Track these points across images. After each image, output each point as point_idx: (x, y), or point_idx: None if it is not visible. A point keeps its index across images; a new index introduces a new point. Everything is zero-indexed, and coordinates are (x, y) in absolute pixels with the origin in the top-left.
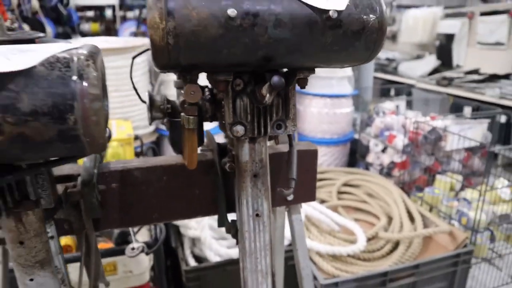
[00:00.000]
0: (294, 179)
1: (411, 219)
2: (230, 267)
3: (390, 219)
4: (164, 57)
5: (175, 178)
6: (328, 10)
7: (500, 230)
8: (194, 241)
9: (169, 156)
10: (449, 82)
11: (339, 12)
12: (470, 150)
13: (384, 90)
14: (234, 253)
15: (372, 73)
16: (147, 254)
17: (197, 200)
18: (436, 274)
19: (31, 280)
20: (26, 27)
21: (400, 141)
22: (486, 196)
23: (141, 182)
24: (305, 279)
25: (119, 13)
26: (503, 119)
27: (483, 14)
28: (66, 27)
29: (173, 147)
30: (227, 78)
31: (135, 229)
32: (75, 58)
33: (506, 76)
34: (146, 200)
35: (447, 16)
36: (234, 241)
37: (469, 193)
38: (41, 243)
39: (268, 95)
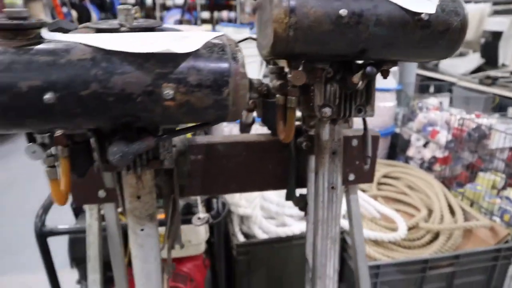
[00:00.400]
0: (369, 156)
1: (452, 212)
2: (277, 244)
3: (430, 212)
4: (283, 46)
5: (252, 154)
6: (421, 13)
7: None
8: (243, 219)
9: (249, 134)
10: (493, 81)
11: (429, 14)
12: None
13: (423, 87)
14: (281, 231)
15: (416, 69)
16: (211, 224)
17: (270, 175)
18: (475, 266)
19: (142, 230)
20: (74, 13)
21: (443, 136)
22: None
23: (223, 155)
24: (359, 254)
25: (159, 1)
26: None
27: None
28: (109, 14)
29: (265, 124)
30: (324, 66)
31: (199, 202)
32: (227, 44)
33: None
34: (226, 171)
35: (496, 12)
36: (282, 220)
37: None
38: (152, 199)
39: (360, 82)
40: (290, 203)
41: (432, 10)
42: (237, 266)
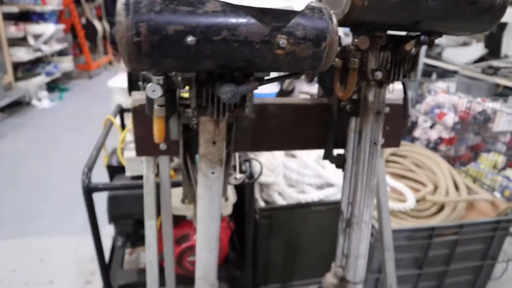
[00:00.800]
0: (410, 116)
1: (456, 188)
2: (298, 210)
3: (435, 188)
4: (357, 14)
5: (298, 116)
6: None
7: None
8: (262, 187)
9: (296, 98)
10: (495, 71)
11: None
12: None
13: (426, 73)
14: (302, 198)
15: (423, 56)
16: (245, 185)
17: (311, 135)
18: (476, 236)
19: (213, 173)
20: None
21: (450, 118)
22: None
23: (273, 115)
24: (383, 210)
25: None
26: None
27: None
28: None
29: (320, 84)
30: (382, 35)
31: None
32: (323, 7)
33: None
34: (274, 130)
35: None
36: (301, 188)
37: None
38: (223, 146)
39: (413, 49)
40: (309, 172)
41: None
42: (259, 229)
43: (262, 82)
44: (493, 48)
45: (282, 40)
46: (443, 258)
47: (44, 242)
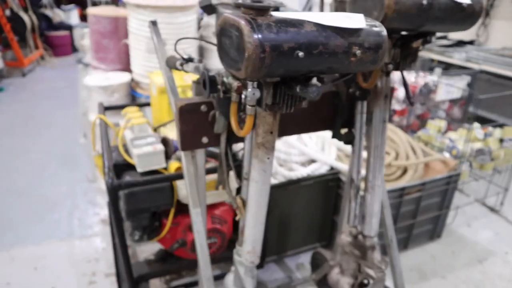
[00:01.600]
0: (411, 97)
1: (414, 152)
2: (290, 186)
3: (397, 154)
4: (387, 23)
5: (314, 103)
6: (462, 2)
7: (477, 160)
8: None
9: None
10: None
11: (467, 3)
12: (452, 102)
13: None
14: (293, 175)
15: None
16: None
17: (322, 118)
18: (434, 191)
19: (268, 158)
20: None
21: (401, 92)
22: (465, 135)
23: None
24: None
25: None
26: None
27: None
28: None
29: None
30: (396, 36)
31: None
32: (376, 23)
33: (470, 42)
34: (290, 116)
35: None
36: (289, 166)
37: (453, 135)
38: (276, 134)
39: (420, 46)
40: (295, 151)
41: (469, 1)
42: None
43: (334, 81)
44: None
45: (358, 51)
46: (411, 213)
47: (32, 250)
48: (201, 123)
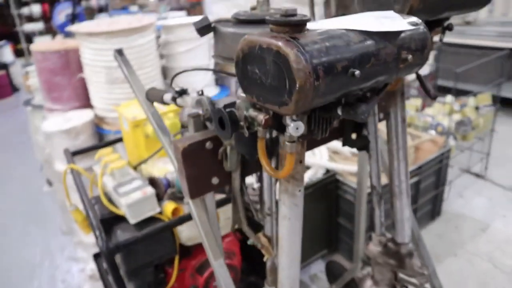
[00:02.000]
0: (430, 90)
1: None
2: None
3: None
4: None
5: None
6: None
7: (459, 132)
8: None
9: None
10: None
11: None
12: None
13: None
14: None
15: None
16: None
17: (333, 128)
18: (430, 171)
19: (299, 191)
20: None
21: None
22: (443, 110)
23: None
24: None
25: None
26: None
27: None
28: None
29: None
30: None
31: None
32: (419, 20)
33: None
34: None
35: None
36: None
37: (430, 110)
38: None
39: (440, 34)
40: None
41: None
42: None
43: (377, 95)
44: None
45: (409, 56)
46: (412, 199)
47: None
48: (209, 162)
